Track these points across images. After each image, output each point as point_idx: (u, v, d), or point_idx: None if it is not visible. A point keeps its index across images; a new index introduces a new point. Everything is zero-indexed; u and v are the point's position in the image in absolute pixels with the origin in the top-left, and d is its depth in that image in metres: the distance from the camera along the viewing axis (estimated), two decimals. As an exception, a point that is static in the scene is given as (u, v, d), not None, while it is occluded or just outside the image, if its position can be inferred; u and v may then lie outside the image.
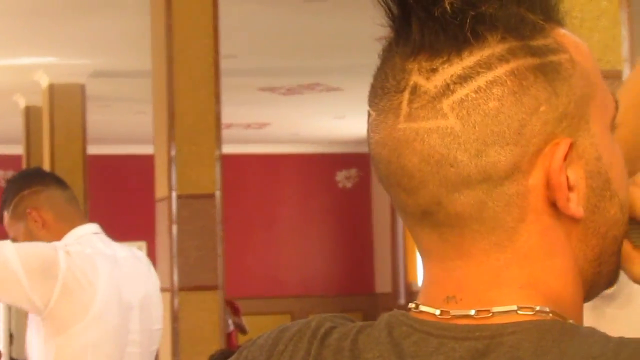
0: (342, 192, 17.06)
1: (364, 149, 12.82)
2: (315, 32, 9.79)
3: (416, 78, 1.10)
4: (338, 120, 14.68)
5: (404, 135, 1.11)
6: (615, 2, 3.82)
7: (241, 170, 14.76)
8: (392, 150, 1.12)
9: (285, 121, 14.74)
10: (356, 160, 17.11)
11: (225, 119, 7.64)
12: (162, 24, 7.39)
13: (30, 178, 3.98)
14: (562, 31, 1.12)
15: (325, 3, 8.82)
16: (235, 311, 12.85)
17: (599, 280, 1.15)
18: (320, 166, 16.86)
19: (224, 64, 7.47)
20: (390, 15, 1.12)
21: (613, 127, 1.15)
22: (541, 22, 1.11)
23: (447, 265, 1.13)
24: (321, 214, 16.24)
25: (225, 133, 7.63)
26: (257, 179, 16.12)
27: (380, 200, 16.88)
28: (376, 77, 1.15)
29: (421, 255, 1.17)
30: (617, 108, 1.16)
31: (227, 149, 7.85)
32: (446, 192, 1.10)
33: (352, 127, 15.44)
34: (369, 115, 1.15)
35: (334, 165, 17.05)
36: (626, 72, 3.71)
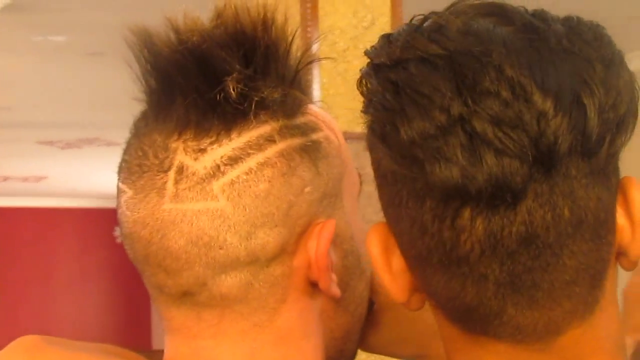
0: (121, 247, 16.86)
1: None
2: (95, 87, 9.73)
3: (182, 158, 1.07)
4: (116, 174, 14.61)
5: (170, 216, 1.07)
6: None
7: (17, 224, 14.51)
8: (155, 230, 1.09)
9: (64, 175, 14.57)
10: (135, 215, 17.05)
11: (2, 172, 7.54)
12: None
13: None
14: (313, 107, 1.12)
15: (106, 57, 8.79)
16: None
17: (345, 354, 1.15)
18: (99, 220, 16.70)
19: (1, 115, 7.39)
20: (147, 88, 1.09)
21: (357, 200, 1.15)
22: (299, 101, 1.10)
23: (199, 343, 1.10)
24: (99, 268, 16.07)
25: (1, 185, 7.53)
26: (33, 233, 15.87)
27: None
28: (130, 152, 1.12)
29: (168, 331, 1.13)
30: (361, 182, 1.15)
31: (3, 202, 7.75)
32: (212, 274, 1.07)
33: (132, 182, 15.38)
34: (123, 192, 1.13)
35: (113, 220, 16.85)
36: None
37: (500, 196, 0.87)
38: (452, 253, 0.90)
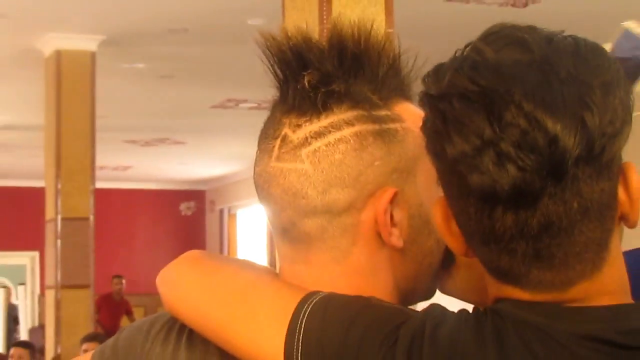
0: (184, 219, 16.94)
1: (200, 187, 12.70)
2: (165, 100, 9.74)
3: (286, 130, 1.08)
4: (182, 165, 14.60)
5: (273, 171, 1.08)
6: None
7: (109, 201, 14.53)
8: (265, 181, 1.09)
9: (143, 165, 14.60)
10: (194, 195, 17.02)
11: (98, 162, 7.56)
12: (53, 91, 7.31)
13: None
14: (405, 105, 1.10)
15: (173, 80, 8.79)
16: (128, 311, 12.59)
17: (413, 294, 1.12)
18: (168, 199, 16.72)
19: (98, 122, 7.40)
20: (276, 80, 1.10)
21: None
22: (384, 98, 1.08)
23: (295, 268, 1.09)
24: (166, 235, 16.08)
25: (98, 173, 7.54)
26: (121, 208, 15.90)
27: (211, 225, 16.84)
28: (264, 124, 1.12)
29: (279, 258, 1.14)
30: None
31: (100, 184, 7.76)
32: (299, 217, 1.07)
33: (192, 171, 15.37)
34: (256, 152, 1.13)
35: (178, 198, 16.93)
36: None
37: (522, 198, 0.89)
38: (490, 235, 0.92)
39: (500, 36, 0.94)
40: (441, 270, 1.14)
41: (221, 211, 16.62)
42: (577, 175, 0.89)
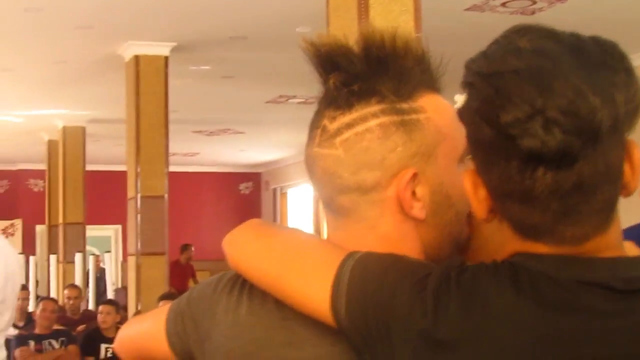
0: (243, 197, 17.01)
1: (256, 170, 12.72)
2: (227, 97, 9.77)
3: (325, 121, 1.09)
4: (241, 152, 14.65)
5: (315, 155, 1.10)
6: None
7: (180, 182, 14.63)
8: (310, 163, 1.12)
9: (208, 152, 14.67)
10: (251, 177, 17.08)
11: (171, 149, 7.61)
12: (133, 90, 7.36)
13: None
14: (430, 96, 1.10)
15: (233, 79, 8.81)
16: (193, 274, 12.69)
17: (438, 261, 1.10)
18: (229, 181, 16.80)
19: (170, 116, 7.44)
20: (320, 78, 1.11)
21: (461, 159, 1.11)
22: (408, 92, 1.08)
23: (337, 234, 1.11)
24: (227, 211, 16.17)
25: (170, 158, 7.59)
26: (190, 188, 16.00)
27: (266, 202, 16.89)
28: (314, 114, 1.14)
29: (327, 227, 1.15)
30: (465, 148, 1.10)
31: (172, 168, 7.81)
32: (336, 193, 1.09)
33: (250, 157, 15.42)
34: (307, 139, 1.15)
35: (238, 180, 17.00)
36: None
37: (563, 159, 0.90)
38: (528, 193, 0.93)
39: (532, 30, 0.95)
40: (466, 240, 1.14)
41: (274, 190, 16.66)
42: (605, 143, 0.90)
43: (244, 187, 17.12)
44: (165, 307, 1.27)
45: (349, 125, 1.08)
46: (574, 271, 0.93)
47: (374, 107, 1.08)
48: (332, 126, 1.09)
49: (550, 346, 0.90)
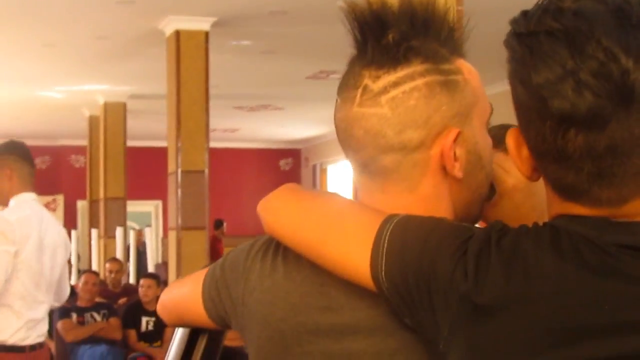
0: (283, 173, 17.05)
1: (296, 146, 12.67)
2: (267, 72, 9.77)
3: (366, 81, 1.09)
4: (281, 128, 14.67)
5: (355, 115, 1.09)
6: None
7: (221, 158, 14.70)
8: (348, 124, 1.11)
9: (249, 128, 14.70)
10: (291, 153, 17.11)
11: (211, 125, 7.64)
12: (174, 65, 7.38)
13: (16, 150, 3.82)
14: (461, 60, 1.12)
15: (274, 55, 8.81)
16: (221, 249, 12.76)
17: (466, 220, 1.13)
18: (269, 156, 16.84)
19: (210, 91, 7.46)
20: (355, 40, 1.11)
21: (488, 123, 1.14)
22: (448, 54, 1.10)
23: (374, 196, 1.11)
24: (268, 186, 16.11)
25: (211, 134, 7.62)
26: (230, 164, 16.06)
27: (306, 178, 16.91)
28: (344, 76, 1.13)
29: (359, 191, 1.15)
30: (491, 112, 1.15)
31: (212, 144, 7.85)
32: (378, 153, 1.09)
33: (290, 133, 15.44)
34: (337, 101, 1.14)
35: (278, 156, 17.04)
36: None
37: (595, 121, 0.89)
38: (561, 154, 0.93)
39: None
40: (485, 202, 1.16)
41: (314, 166, 16.68)
42: None
43: (284, 164, 17.16)
44: (203, 271, 1.29)
45: (395, 84, 1.08)
46: (614, 235, 0.92)
47: (420, 67, 1.08)
48: (376, 85, 1.09)
49: (590, 310, 0.90)
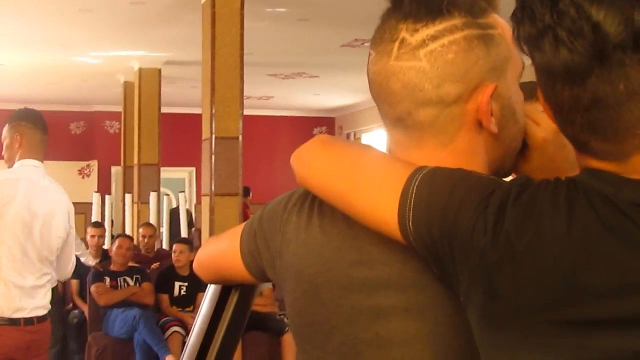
0: (316, 141, 17.00)
1: (330, 114, 12.59)
2: (302, 40, 9.76)
3: (404, 34, 1.09)
4: (315, 96, 14.63)
5: (393, 69, 1.10)
6: None
7: (255, 125, 14.72)
8: (384, 78, 1.11)
9: (283, 96, 14.70)
10: (325, 121, 17.06)
11: (246, 92, 7.65)
12: (209, 32, 7.37)
13: (28, 117, 3.83)
14: (496, 15, 1.13)
15: (309, 22, 8.80)
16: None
17: (499, 173, 1.14)
18: (303, 124, 16.82)
19: (245, 58, 7.48)
20: None
21: (519, 78, 1.15)
22: (485, 7, 1.11)
23: (408, 151, 1.12)
24: (302, 154, 16.16)
25: (245, 102, 7.64)
26: (265, 130, 16.07)
27: (340, 147, 16.87)
28: (378, 30, 1.13)
29: (392, 145, 1.15)
30: (523, 67, 1.15)
31: (247, 112, 7.86)
32: (415, 107, 1.09)
33: (324, 101, 15.40)
34: (370, 54, 1.14)
35: (312, 124, 17.02)
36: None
37: (573, 77, 0.91)
38: (557, 106, 0.96)
39: None
40: (517, 155, 1.17)
41: (348, 135, 16.66)
42: (624, 61, 0.89)
43: (318, 132, 17.12)
44: (240, 227, 1.31)
45: (434, 37, 1.08)
46: (631, 193, 0.93)
47: (458, 20, 1.09)
48: (414, 38, 1.09)
49: (599, 270, 0.90)
